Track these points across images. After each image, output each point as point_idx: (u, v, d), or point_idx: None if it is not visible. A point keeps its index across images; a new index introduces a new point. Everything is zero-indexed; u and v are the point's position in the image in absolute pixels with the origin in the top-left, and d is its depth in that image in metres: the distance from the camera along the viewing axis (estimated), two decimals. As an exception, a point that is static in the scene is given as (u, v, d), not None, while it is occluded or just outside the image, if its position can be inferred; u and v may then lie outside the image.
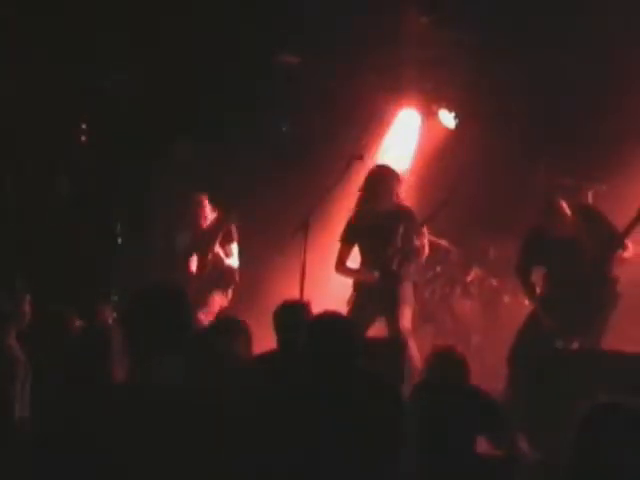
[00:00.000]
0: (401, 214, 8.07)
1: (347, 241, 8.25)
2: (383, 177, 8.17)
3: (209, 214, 9.27)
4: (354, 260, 8.31)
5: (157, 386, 3.55)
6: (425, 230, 8.11)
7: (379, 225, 8.03)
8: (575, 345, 7.73)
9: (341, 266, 8.24)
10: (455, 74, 9.60)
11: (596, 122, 9.25)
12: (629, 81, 8.80)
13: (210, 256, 9.11)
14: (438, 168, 10.00)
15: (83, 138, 9.39)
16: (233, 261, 9.18)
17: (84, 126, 9.36)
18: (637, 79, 8.78)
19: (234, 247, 9.21)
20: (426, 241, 8.12)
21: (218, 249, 9.13)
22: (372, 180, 8.16)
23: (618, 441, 3.41)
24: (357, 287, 8.17)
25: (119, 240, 9.53)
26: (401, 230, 7.99)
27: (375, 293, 8.03)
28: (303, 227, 8.06)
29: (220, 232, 9.16)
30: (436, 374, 5.69)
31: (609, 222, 7.77)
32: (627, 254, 7.71)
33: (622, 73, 8.84)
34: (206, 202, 9.26)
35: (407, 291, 8.05)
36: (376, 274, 8.01)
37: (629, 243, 7.69)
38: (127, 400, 3.50)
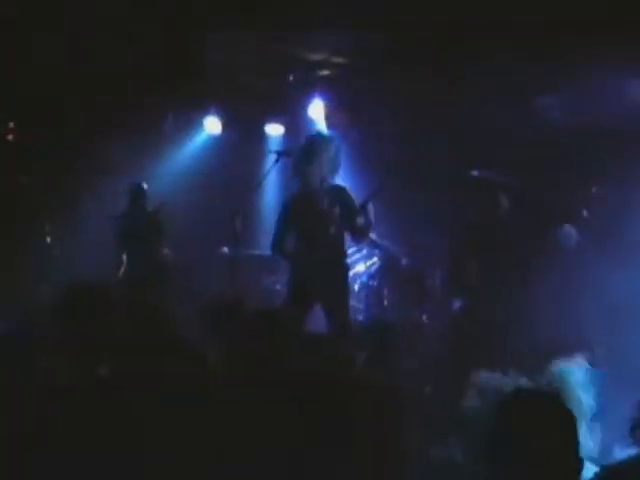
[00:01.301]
0: (337, 195, 7.63)
1: (284, 223, 7.87)
2: (324, 142, 7.78)
3: (140, 210, 9.42)
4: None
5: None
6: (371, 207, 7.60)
7: (317, 207, 7.63)
8: None
9: (278, 248, 7.88)
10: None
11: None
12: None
13: (156, 256, 9.33)
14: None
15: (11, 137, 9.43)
16: (167, 252, 9.42)
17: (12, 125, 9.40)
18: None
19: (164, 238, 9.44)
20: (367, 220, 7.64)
21: (167, 251, 9.39)
22: (313, 144, 7.73)
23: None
24: (295, 271, 7.83)
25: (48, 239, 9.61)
26: (338, 211, 7.57)
27: (316, 278, 7.56)
28: (234, 218, 7.99)
29: (152, 225, 9.29)
30: None
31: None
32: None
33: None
34: (138, 198, 9.36)
35: (345, 280, 7.82)
36: (317, 257, 7.53)
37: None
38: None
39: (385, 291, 9.78)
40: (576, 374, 4.57)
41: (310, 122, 10.20)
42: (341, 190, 7.57)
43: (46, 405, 3.78)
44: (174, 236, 9.63)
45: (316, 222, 7.55)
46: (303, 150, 7.68)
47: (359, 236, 7.67)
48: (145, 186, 9.24)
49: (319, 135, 8.12)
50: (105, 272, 9.16)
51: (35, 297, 8.53)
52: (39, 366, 4.66)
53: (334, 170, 7.62)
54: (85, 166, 10.05)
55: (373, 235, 8.96)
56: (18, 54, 8.86)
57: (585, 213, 8.81)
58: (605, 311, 7.74)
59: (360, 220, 7.40)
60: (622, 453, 4.16)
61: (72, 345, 4.11)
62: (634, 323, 7.52)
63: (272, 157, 8.33)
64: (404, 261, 9.89)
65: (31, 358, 4.72)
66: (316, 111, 10.16)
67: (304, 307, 7.50)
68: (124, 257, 9.37)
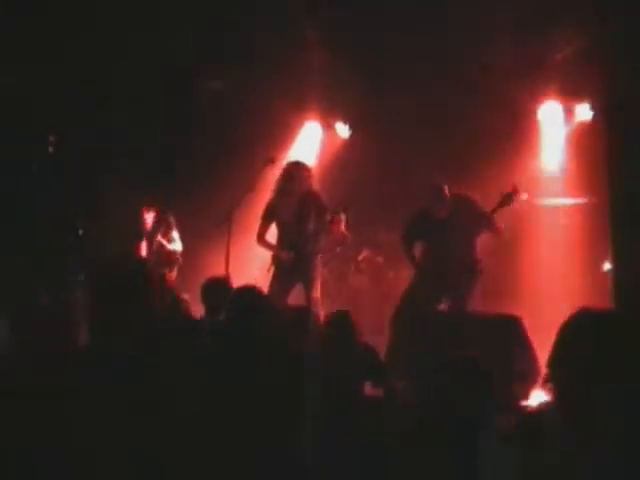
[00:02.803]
0: (312, 200, 8.73)
1: (266, 219, 8.93)
2: (298, 168, 8.88)
3: (150, 211, 10.27)
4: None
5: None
6: (342, 217, 8.62)
7: (293, 209, 8.75)
8: (444, 307, 8.60)
9: (261, 239, 8.93)
10: (349, 96, 10.61)
11: (458, 136, 10.35)
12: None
13: (154, 244, 10.14)
14: (337, 168, 10.91)
15: (51, 148, 9.97)
16: (176, 245, 10.16)
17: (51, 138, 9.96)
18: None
19: (175, 234, 10.19)
20: (343, 227, 8.69)
21: (160, 238, 10.14)
22: (289, 169, 8.86)
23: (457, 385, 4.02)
24: (274, 260, 8.86)
25: (80, 232, 9.91)
26: (312, 214, 8.69)
27: (290, 267, 8.73)
28: (228, 218, 8.74)
29: (160, 225, 10.16)
30: (332, 331, 6.16)
31: (478, 207, 8.48)
32: (502, 231, 8.51)
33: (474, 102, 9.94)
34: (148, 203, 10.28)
35: (317, 266, 8.79)
36: (291, 252, 8.71)
37: (500, 224, 8.45)
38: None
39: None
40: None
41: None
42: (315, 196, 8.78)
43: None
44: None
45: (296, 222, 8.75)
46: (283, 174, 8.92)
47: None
48: None
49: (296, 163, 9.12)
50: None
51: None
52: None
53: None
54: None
55: None
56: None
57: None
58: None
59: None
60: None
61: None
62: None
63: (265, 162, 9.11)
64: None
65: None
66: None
67: (287, 285, 8.79)
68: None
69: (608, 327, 3.31)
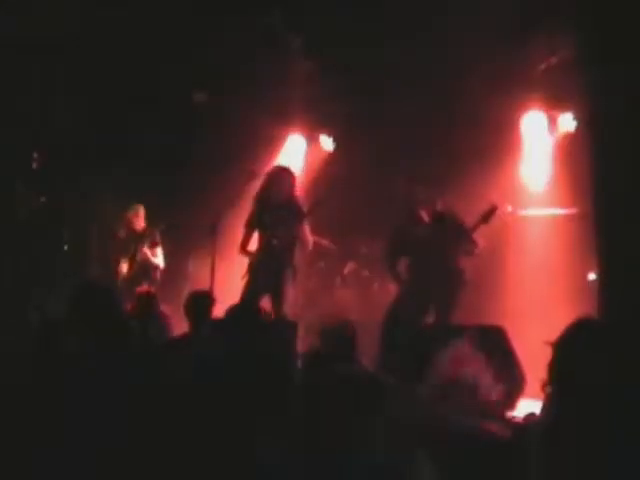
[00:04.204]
0: (290, 207, 8.70)
1: (248, 228, 8.92)
2: (280, 172, 8.90)
3: (141, 223, 10.29)
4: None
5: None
6: (305, 223, 8.63)
7: (272, 216, 8.73)
8: (429, 320, 8.62)
9: (242, 249, 8.92)
10: (332, 108, 10.68)
11: (443, 147, 10.34)
12: (461, 120, 10.01)
13: (138, 256, 10.20)
14: (321, 181, 10.97)
15: (35, 165, 10.16)
16: (159, 260, 10.24)
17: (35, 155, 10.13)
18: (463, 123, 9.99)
19: (159, 250, 10.28)
20: (307, 232, 8.71)
21: (146, 250, 10.23)
22: (270, 174, 8.88)
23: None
24: (249, 267, 8.82)
25: (65, 247, 10.29)
26: (289, 221, 8.64)
27: (263, 274, 8.69)
28: (213, 229, 8.86)
29: (148, 236, 10.24)
30: (329, 345, 5.81)
31: (459, 223, 8.57)
32: (477, 250, 8.54)
33: (457, 114, 10.00)
34: (142, 212, 10.32)
35: (288, 276, 8.68)
36: (265, 258, 8.68)
37: (478, 240, 8.51)
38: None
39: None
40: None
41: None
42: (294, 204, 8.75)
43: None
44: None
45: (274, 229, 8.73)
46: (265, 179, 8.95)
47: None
48: None
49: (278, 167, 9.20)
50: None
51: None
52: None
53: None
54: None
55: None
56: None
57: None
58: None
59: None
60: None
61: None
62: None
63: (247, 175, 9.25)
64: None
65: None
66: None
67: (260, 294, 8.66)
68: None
69: (607, 336, 3.46)
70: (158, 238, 10.28)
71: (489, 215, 8.41)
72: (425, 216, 8.66)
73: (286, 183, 8.82)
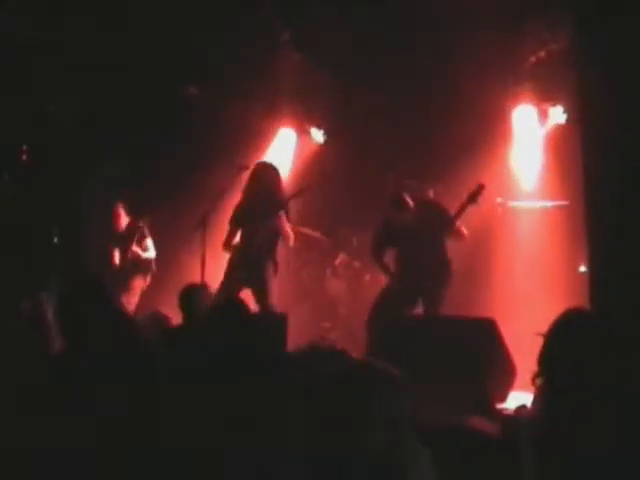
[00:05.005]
0: (272, 202, 8.74)
1: (232, 225, 8.98)
2: (264, 168, 8.97)
3: (125, 218, 10.26)
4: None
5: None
6: (282, 214, 8.66)
7: (254, 211, 8.80)
8: (418, 311, 8.65)
9: (226, 245, 8.97)
10: (323, 100, 10.74)
11: (433, 140, 10.42)
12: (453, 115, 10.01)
13: (129, 253, 10.14)
14: (312, 174, 10.86)
15: (24, 157, 9.98)
16: (150, 253, 10.18)
17: (25, 147, 9.96)
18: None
19: (149, 241, 10.21)
20: (287, 226, 8.72)
21: (135, 246, 10.15)
22: (254, 170, 8.94)
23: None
24: (229, 262, 8.90)
25: (55, 239, 9.99)
26: (270, 215, 8.67)
27: (243, 269, 8.76)
28: (202, 223, 8.80)
29: (135, 232, 10.17)
30: None
31: (444, 212, 8.56)
32: (465, 235, 8.59)
33: (447, 107, 10.00)
34: (121, 209, 10.27)
35: (269, 269, 8.73)
36: (244, 253, 8.73)
37: (463, 229, 8.55)
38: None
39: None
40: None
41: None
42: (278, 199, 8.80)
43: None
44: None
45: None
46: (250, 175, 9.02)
47: None
48: None
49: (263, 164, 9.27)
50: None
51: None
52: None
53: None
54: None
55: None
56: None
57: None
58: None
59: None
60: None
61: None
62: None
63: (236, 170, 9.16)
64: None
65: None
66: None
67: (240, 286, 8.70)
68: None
69: (597, 327, 3.48)
70: (146, 230, 10.27)
71: (476, 195, 8.39)
72: (411, 202, 8.59)
73: (269, 179, 8.90)
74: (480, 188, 8.41)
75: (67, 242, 10.00)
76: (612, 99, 6.22)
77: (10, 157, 10.07)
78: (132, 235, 10.22)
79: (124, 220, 10.33)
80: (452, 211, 8.55)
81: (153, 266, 10.29)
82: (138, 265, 10.21)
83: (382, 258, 8.96)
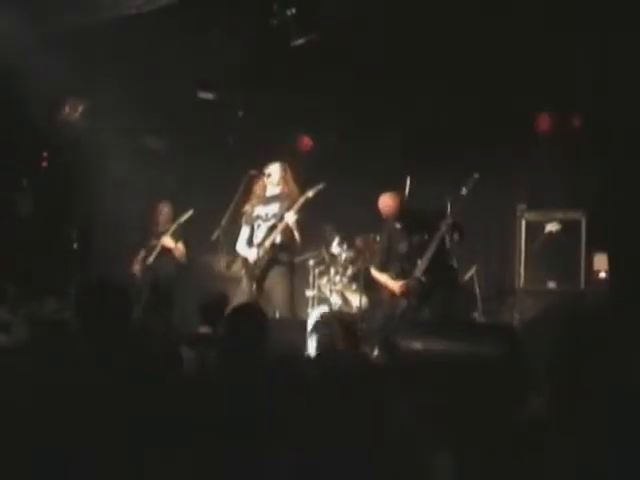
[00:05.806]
0: (282, 202, 8.83)
1: (244, 224, 9.03)
2: (275, 169, 8.94)
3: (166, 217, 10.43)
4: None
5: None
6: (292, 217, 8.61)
7: (265, 212, 8.86)
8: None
9: (239, 246, 9.05)
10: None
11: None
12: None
13: (160, 244, 10.24)
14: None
15: (44, 164, 10.30)
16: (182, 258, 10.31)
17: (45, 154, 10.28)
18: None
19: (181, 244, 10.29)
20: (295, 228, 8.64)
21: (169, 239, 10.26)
22: (267, 172, 8.93)
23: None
24: (244, 265, 8.91)
25: (74, 245, 10.33)
26: (279, 216, 8.72)
27: (257, 272, 8.75)
28: (219, 226, 8.84)
29: (171, 225, 10.29)
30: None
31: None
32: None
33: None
34: (165, 208, 10.47)
35: (284, 273, 8.76)
36: (261, 257, 8.72)
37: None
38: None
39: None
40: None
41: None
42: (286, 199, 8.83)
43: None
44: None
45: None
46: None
47: None
48: None
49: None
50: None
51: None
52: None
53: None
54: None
55: None
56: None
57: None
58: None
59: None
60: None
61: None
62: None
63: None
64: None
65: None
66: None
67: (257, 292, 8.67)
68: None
69: (604, 330, 3.39)
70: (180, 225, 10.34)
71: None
72: (397, 215, 8.52)
73: (281, 179, 8.94)
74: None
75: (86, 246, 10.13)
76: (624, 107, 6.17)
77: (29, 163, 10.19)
78: (169, 226, 10.33)
79: (165, 218, 10.44)
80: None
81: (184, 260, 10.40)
82: (171, 260, 10.33)
83: (386, 271, 8.75)
